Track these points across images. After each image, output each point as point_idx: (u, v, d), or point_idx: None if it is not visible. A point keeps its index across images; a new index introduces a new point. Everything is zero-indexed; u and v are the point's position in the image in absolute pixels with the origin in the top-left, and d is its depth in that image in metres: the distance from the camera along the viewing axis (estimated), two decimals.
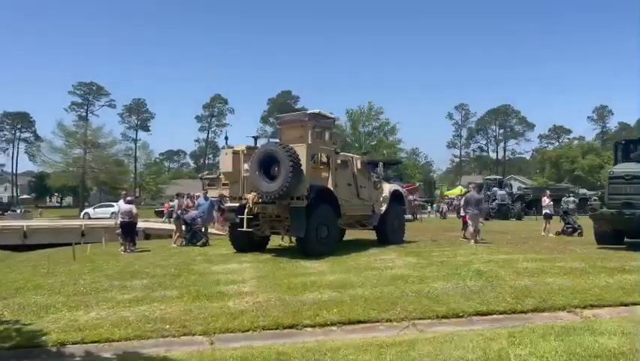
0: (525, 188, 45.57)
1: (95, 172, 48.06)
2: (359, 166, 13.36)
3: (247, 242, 12.47)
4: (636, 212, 12.60)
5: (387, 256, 11.75)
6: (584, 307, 7.72)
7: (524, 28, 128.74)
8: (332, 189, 12.08)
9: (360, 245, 14.08)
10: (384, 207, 14.17)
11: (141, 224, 19.42)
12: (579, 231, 17.28)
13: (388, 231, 14.34)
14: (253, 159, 11.44)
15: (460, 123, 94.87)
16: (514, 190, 40.14)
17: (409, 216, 30.83)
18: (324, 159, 12.39)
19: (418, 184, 61.62)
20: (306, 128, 12.13)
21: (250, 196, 11.79)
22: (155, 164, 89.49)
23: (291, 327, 6.59)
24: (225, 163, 12.38)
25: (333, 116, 13.41)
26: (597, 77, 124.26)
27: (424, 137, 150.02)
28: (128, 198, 13.94)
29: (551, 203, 18.23)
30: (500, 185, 36.71)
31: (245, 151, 12.37)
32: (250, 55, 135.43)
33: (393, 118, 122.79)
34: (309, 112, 12.50)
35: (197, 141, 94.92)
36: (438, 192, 59.74)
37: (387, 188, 14.65)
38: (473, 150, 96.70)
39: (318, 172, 12.21)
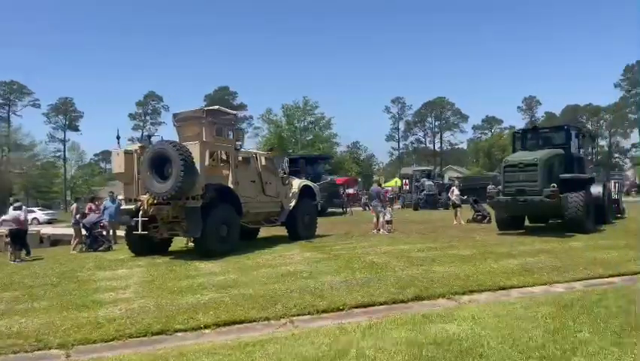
0: (455, 178, 47.14)
1: (19, 175, 45.07)
2: (264, 162, 13.21)
3: (146, 245, 12.02)
4: (528, 198, 13.22)
5: (288, 253, 11.70)
6: (464, 293, 7.92)
7: (455, 22, 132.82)
8: (232, 186, 11.86)
9: (269, 242, 13.97)
10: (293, 203, 14.11)
11: (47, 230, 18.38)
12: (488, 218, 17.99)
13: (299, 226, 14.30)
14: (144, 158, 11.03)
15: (397, 116, 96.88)
16: (446, 180, 41.43)
17: (337, 210, 31.26)
18: (224, 157, 12.14)
19: (359, 179, 62.79)
20: (203, 124, 11.83)
21: (144, 198, 11.37)
22: (89, 165, 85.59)
23: (160, 333, 6.32)
24: (117, 164, 11.86)
25: (234, 112, 13.17)
26: (526, 68, 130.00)
27: (364, 130, 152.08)
28: (16, 204, 13.08)
29: (459, 193, 18.85)
30: (429, 176, 37.72)
31: (138, 151, 11.90)
32: (185, 51, 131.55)
33: (334, 113, 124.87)
34: (206, 108, 12.20)
35: (131, 140, 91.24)
36: (375, 184, 60.66)
37: (297, 183, 14.59)
38: (411, 143, 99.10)
39: (218, 170, 11.95)
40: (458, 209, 18.64)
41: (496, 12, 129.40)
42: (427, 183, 34.36)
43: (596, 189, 15.49)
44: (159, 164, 10.85)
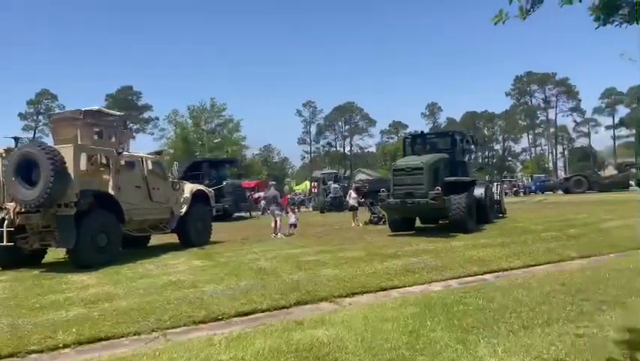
0: (361, 181, 48.49)
1: None
2: (150, 167, 12.57)
3: (14, 257, 10.91)
4: (415, 200, 13.82)
5: (174, 261, 11.20)
6: (347, 296, 8.02)
7: (364, 28, 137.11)
8: (113, 192, 11.13)
9: (159, 250, 13.32)
10: (184, 209, 13.58)
11: None
12: (383, 219, 18.60)
13: (191, 233, 13.79)
14: (9, 163, 10.01)
15: (308, 120, 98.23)
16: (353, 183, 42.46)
17: (244, 214, 30.81)
18: (105, 161, 11.37)
19: (271, 182, 62.33)
20: (79, 126, 11.00)
21: (10, 206, 10.32)
22: None
23: (11, 356, 5.69)
24: None
25: (118, 113, 12.41)
26: (430, 76, 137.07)
27: (277, 134, 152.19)
28: None
29: (356, 196, 19.36)
30: (335, 179, 38.43)
31: (3, 154, 10.79)
32: (84, 49, 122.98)
33: (246, 116, 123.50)
34: (84, 109, 11.36)
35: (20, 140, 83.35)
36: (287, 187, 60.84)
37: (188, 188, 14.07)
38: (323, 146, 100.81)
39: (97, 175, 11.16)
40: (356, 211, 19.09)
41: (400, 22, 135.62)
42: (333, 186, 34.96)
43: (479, 191, 16.57)
44: (26, 168, 9.90)
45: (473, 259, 10.67)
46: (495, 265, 10.25)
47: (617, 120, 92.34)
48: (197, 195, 14.20)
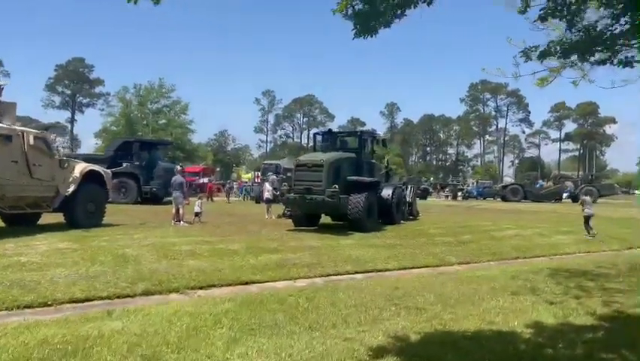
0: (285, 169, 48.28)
1: None
2: (32, 142, 12.03)
3: None
4: (313, 197, 13.84)
5: (39, 242, 10.74)
6: (201, 288, 7.90)
7: (326, 24, 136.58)
8: None
9: (41, 229, 12.84)
10: (71, 189, 13.09)
11: None
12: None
13: (78, 214, 13.32)
14: None
15: (266, 109, 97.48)
16: None
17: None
18: None
19: (218, 168, 61.71)
20: None
21: None
22: None
23: None
24: None
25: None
26: (391, 76, 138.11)
27: (234, 120, 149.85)
28: None
29: (271, 188, 19.27)
30: (276, 170, 38.18)
31: None
32: (32, 18, 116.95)
33: (201, 99, 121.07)
34: None
35: None
36: (234, 175, 60.22)
37: (79, 168, 13.56)
38: (280, 136, 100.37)
39: None
40: (271, 204, 18.99)
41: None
42: (272, 177, 34.71)
43: (386, 192, 16.78)
44: None
45: (351, 259, 10.77)
46: (371, 265, 10.36)
47: (564, 134, 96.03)
48: (89, 176, 13.71)
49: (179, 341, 4.88)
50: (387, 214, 16.64)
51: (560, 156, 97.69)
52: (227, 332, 5.20)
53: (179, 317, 5.81)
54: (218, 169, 57.25)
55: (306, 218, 15.42)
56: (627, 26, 4.01)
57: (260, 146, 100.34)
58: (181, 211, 15.75)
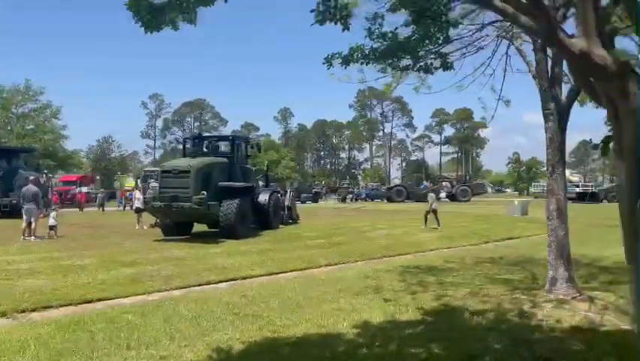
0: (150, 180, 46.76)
1: None
2: None
3: None
4: (180, 205, 13.25)
5: None
6: (36, 310, 7.12)
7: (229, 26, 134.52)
8: None
9: None
10: None
11: None
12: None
13: None
14: None
15: (154, 113, 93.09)
16: None
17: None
18: None
19: (97, 177, 57.34)
20: None
21: None
22: None
23: None
24: None
25: None
26: (282, 83, 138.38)
27: (123, 126, 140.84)
28: None
29: (140, 197, 18.25)
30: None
31: None
32: None
33: (85, 103, 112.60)
34: None
35: None
36: (117, 183, 56.49)
37: None
38: (170, 142, 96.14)
39: None
40: (141, 213, 17.91)
41: (254, 26, 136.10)
42: (153, 184, 33.03)
43: (263, 197, 16.63)
44: None
45: (217, 268, 10.42)
46: (236, 273, 10.08)
47: (444, 138, 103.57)
48: None
49: None
50: (264, 220, 16.49)
51: (441, 159, 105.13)
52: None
53: None
54: (98, 177, 53.24)
55: (176, 227, 14.73)
56: (419, 34, 4.20)
57: (147, 152, 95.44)
58: (33, 225, 14.23)
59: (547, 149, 6.52)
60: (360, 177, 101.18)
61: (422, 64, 4.49)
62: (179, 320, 6.00)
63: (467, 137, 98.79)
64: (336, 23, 3.43)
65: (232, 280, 9.56)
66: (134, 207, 18.53)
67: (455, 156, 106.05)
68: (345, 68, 4.26)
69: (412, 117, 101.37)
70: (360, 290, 7.56)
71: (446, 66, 4.44)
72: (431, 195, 19.16)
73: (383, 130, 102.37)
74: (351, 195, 55.78)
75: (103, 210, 29.85)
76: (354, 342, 4.94)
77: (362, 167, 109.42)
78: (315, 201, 49.90)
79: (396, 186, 55.61)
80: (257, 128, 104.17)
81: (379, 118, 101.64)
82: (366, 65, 4.30)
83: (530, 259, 10.91)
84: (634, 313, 2.25)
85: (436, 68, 4.55)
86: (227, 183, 14.54)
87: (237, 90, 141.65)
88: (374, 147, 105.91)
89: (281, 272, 10.39)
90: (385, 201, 51.53)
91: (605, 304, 6.16)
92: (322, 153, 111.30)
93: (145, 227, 17.70)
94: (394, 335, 5.13)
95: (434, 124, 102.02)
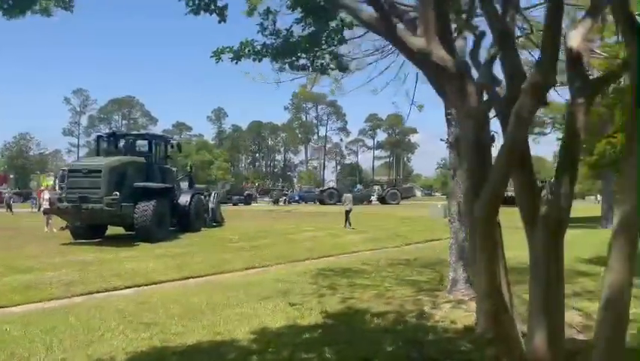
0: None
1: None
2: None
3: None
4: (90, 206, 12.49)
5: None
6: None
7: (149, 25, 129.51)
8: None
9: None
10: None
11: None
12: None
13: None
14: None
15: (78, 110, 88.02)
16: None
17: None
18: None
19: (11, 175, 53.39)
20: None
21: None
22: None
23: None
24: None
25: None
26: (216, 82, 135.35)
27: (44, 123, 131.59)
28: None
29: (48, 198, 17.08)
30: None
31: None
32: None
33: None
34: None
35: None
36: (34, 183, 52.91)
37: None
38: (94, 140, 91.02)
39: None
40: (50, 215, 16.72)
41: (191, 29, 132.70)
42: None
43: (184, 199, 16.08)
44: None
45: (125, 272, 9.92)
46: (145, 278, 9.62)
47: (377, 142, 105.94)
48: None
49: None
50: (184, 222, 15.95)
51: (374, 163, 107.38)
52: None
53: None
54: (12, 176, 49.55)
55: (89, 230, 13.86)
56: (311, 32, 4.11)
57: (70, 150, 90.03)
58: None
59: (449, 153, 6.69)
60: (295, 180, 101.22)
61: (318, 64, 4.41)
62: (65, 331, 5.55)
63: (399, 142, 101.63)
64: (211, 14, 3.27)
65: (141, 285, 9.11)
66: (41, 209, 17.27)
67: (387, 160, 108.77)
68: (236, 63, 4.09)
69: (346, 122, 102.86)
70: (269, 294, 7.40)
71: (341, 67, 4.40)
72: (347, 196, 20.28)
73: (318, 133, 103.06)
74: (284, 198, 55.54)
75: (11, 211, 27.65)
76: (246, 349, 4.77)
77: (297, 169, 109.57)
78: (248, 203, 49.27)
79: (328, 188, 56.03)
80: (189, 128, 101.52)
81: (314, 121, 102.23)
82: (259, 61, 4.15)
83: (443, 261, 11.21)
84: (527, 313, 2.26)
85: (332, 69, 4.48)
86: (143, 183, 13.88)
87: (169, 89, 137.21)
88: (310, 150, 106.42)
89: (194, 277, 10.04)
90: (318, 203, 51.76)
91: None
92: (258, 154, 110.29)
93: (55, 230, 16.55)
94: (291, 340, 5.01)
95: (367, 129, 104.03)
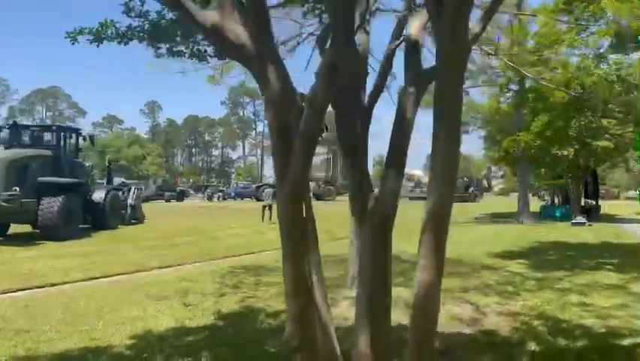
0: None
1: None
2: None
3: None
4: None
5: None
6: None
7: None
8: None
9: None
10: None
11: None
12: None
13: None
14: None
15: None
16: None
17: None
18: None
19: None
20: None
21: None
22: None
23: None
24: None
25: None
26: (149, 75, 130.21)
27: None
28: None
29: None
30: None
31: None
32: None
33: None
34: None
35: None
36: None
37: None
38: None
39: None
40: None
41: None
42: None
43: (98, 195, 15.24)
44: None
45: (21, 274, 9.22)
46: (44, 280, 8.90)
47: None
48: None
49: None
50: (99, 219, 15.10)
51: (312, 160, 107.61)
52: None
53: None
54: None
55: None
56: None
57: None
58: None
59: None
60: (233, 176, 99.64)
61: (195, 50, 4.14)
62: None
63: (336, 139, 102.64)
64: None
65: (37, 287, 8.43)
66: None
67: (326, 157, 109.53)
68: (98, 46, 3.75)
69: None
70: (167, 295, 7.05)
71: (221, 55, 4.18)
72: (267, 191, 20.08)
73: (256, 129, 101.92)
74: (219, 194, 54.33)
75: None
76: (119, 355, 4.45)
77: (235, 165, 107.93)
78: (181, 199, 47.82)
79: (264, 184, 55.43)
80: (120, 121, 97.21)
81: (252, 117, 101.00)
82: (125, 44, 3.83)
83: None
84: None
85: (210, 56, 4.23)
86: (49, 178, 12.94)
87: (100, 80, 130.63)
88: (248, 146, 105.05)
89: (101, 277, 9.43)
90: (254, 199, 51.03)
91: (395, 300, 6.40)
92: (194, 150, 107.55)
93: None
94: (171, 344, 4.74)
95: None
